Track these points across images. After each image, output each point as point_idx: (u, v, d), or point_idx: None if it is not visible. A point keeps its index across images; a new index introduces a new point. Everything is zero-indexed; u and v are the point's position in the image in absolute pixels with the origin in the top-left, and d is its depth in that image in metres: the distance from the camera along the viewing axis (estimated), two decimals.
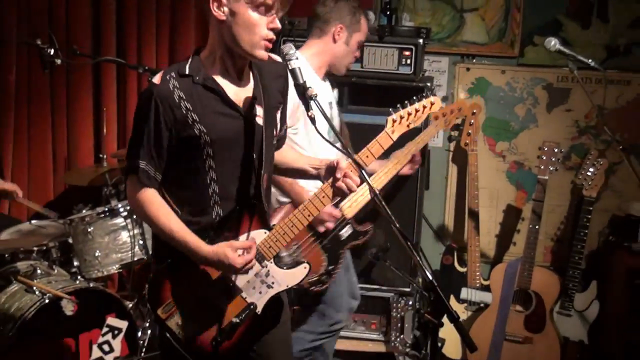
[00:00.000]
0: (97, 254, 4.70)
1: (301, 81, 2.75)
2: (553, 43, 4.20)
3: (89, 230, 4.68)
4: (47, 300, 4.17)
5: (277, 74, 3.06)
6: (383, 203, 2.66)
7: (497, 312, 5.01)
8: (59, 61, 4.35)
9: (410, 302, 4.94)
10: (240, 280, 2.96)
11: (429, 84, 4.90)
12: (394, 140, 3.04)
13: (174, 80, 2.82)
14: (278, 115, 3.08)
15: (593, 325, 4.99)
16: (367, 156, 2.97)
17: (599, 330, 5.01)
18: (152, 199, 2.88)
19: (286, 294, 3.16)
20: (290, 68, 2.79)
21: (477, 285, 5.16)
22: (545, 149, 4.87)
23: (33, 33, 4.94)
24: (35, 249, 4.66)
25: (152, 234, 3.15)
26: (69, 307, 4.23)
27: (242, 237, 2.94)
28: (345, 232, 4.10)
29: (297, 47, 2.93)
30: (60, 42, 4.84)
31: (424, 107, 3.09)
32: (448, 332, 4.82)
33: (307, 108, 2.72)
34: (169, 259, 2.94)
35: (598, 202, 5.20)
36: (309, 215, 2.98)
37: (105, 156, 5.08)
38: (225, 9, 2.76)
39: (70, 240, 4.72)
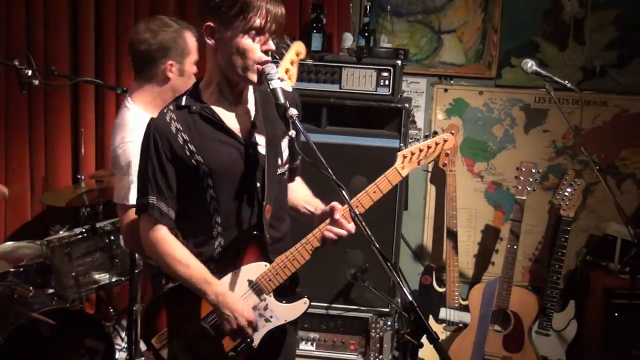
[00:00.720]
0: (74, 275, 4.67)
1: (282, 101, 2.75)
2: (530, 64, 4.24)
3: (67, 251, 4.65)
4: (24, 322, 4.13)
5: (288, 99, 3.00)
6: (363, 223, 2.66)
7: (475, 332, 5.02)
8: (36, 82, 4.31)
9: (389, 323, 4.93)
10: None
11: (407, 105, 4.91)
12: (403, 177, 3.03)
13: (171, 113, 2.83)
14: (284, 144, 3.02)
15: (571, 345, 5.01)
16: (374, 192, 2.98)
17: (577, 350, 5.03)
18: (166, 236, 2.86)
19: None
20: (271, 88, 2.78)
21: (456, 305, 5.17)
22: (523, 169, 4.90)
23: (11, 54, 4.92)
24: (12, 270, 4.62)
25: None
26: (46, 329, 4.19)
27: (242, 269, 2.92)
28: None
29: None
30: (38, 62, 4.83)
31: (437, 144, 3.09)
32: (427, 352, 4.82)
33: (288, 128, 2.72)
34: (167, 286, 2.92)
35: (575, 222, 5.23)
36: (311, 250, 2.95)
37: (83, 177, 5.05)
38: (218, 36, 2.76)
39: (47, 262, 4.68)
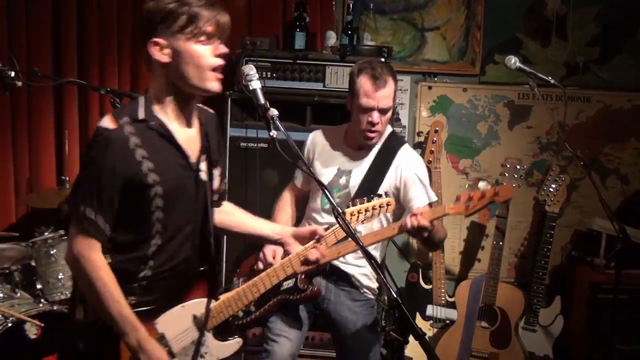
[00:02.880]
0: (60, 276, 4.64)
1: (262, 102, 2.74)
2: (513, 61, 4.24)
3: (52, 252, 4.62)
4: (10, 324, 4.12)
5: (215, 126, 3.00)
6: (347, 222, 2.67)
7: (462, 329, 5.03)
8: (19, 83, 4.29)
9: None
10: (176, 347, 2.87)
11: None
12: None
13: (129, 126, 2.67)
14: (216, 172, 2.98)
15: (558, 340, 5.03)
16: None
17: (563, 345, 5.05)
18: (102, 260, 2.69)
19: None
20: (251, 89, 2.77)
21: (443, 302, 5.18)
22: (508, 165, 4.91)
23: None
24: None
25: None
26: (32, 331, 4.18)
27: (189, 303, 2.88)
28: (287, 284, 3.79)
29: (257, 68, 2.88)
30: (21, 64, 4.80)
31: (381, 206, 3.23)
32: (414, 349, 4.82)
33: (269, 128, 2.71)
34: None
35: (560, 217, 5.25)
36: (255, 292, 3.01)
37: (67, 178, 5.02)
38: (167, 50, 2.67)
39: (33, 263, 4.66)
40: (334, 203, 2.69)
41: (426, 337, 2.52)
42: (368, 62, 3.86)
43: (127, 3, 5.36)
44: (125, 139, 2.65)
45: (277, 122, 2.71)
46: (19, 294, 4.49)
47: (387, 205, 3.28)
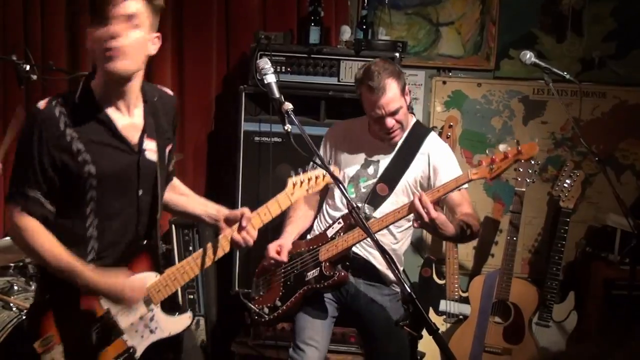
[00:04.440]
0: None
1: (277, 95, 2.74)
2: (528, 56, 4.22)
3: None
4: (24, 317, 4.13)
5: (169, 107, 3.02)
6: (361, 216, 2.67)
7: (476, 324, 5.02)
8: (34, 77, 4.31)
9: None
10: (124, 322, 2.89)
11: None
12: (292, 202, 3.14)
13: (60, 107, 2.73)
14: (167, 150, 3.02)
15: (571, 336, 5.02)
16: (265, 214, 3.06)
17: (577, 341, 5.03)
18: (39, 229, 2.75)
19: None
20: (266, 82, 2.77)
21: (456, 297, 5.17)
22: (522, 161, 4.89)
23: (8, 49, 4.91)
24: (12, 265, 4.62)
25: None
26: None
27: (131, 277, 2.87)
28: (312, 273, 3.84)
29: (273, 62, 2.89)
30: (36, 57, 4.82)
31: (317, 177, 3.21)
32: (427, 344, 4.82)
33: (284, 122, 2.71)
34: (49, 294, 2.85)
35: (575, 213, 5.23)
36: (201, 265, 2.99)
37: None
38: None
39: None
40: (348, 197, 2.70)
41: (440, 332, 2.51)
42: (366, 70, 3.80)
43: None
44: (54, 117, 2.72)
45: (292, 116, 2.71)
46: (33, 287, 4.50)
47: (323, 176, 3.23)
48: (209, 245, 3.00)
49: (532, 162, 4.85)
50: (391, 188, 3.85)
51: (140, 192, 2.87)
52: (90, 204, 2.79)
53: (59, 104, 2.74)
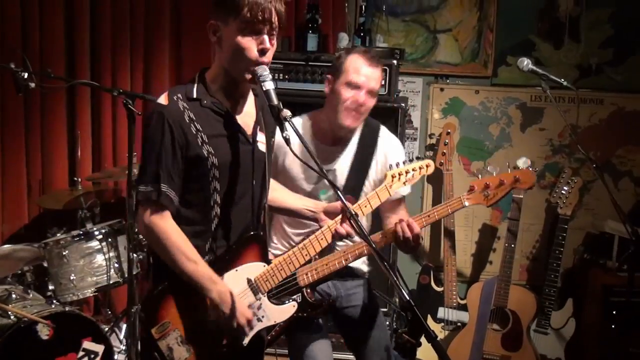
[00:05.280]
0: (72, 278, 4.65)
1: (275, 102, 2.74)
2: (526, 63, 4.23)
3: (64, 253, 4.63)
4: (22, 325, 4.12)
5: (267, 105, 2.99)
6: (360, 223, 2.66)
7: (474, 331, 5.02)
8: (33, 84, 4.29)
9: (388, 322, 4.92)
10: None
11: (403, 105, 4.91)
12: (391, 194, 3.24)
13: (182, 102, 2.80)
14: (271, 143, 3.09)
15: (570, 343, 5.01)
16: (365, 206, 3.18)
17: (575, 348, 5.03)
18: (174, 227, 2.83)
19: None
20: (264, 89, 2.78)
21: (454, 304, 5.17)
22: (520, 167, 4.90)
23: (6, 56, 4.90)
24: (10, 272, 4.62)
25: (151, 253, 3.08)
26: (44, 332, 4.18)
27: (242, 267, 2.95)
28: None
29: (270, 70, 2.86)
30: (34, 65, 4.82)
31: (420, 167, 3.31)
32: (426, 351, 4.82)
33: (282, 129, 2.71)
34: (167, 281, 2.90)
35: (573, 220, 5.23)
36: (306, 255, 3.08)
37: (79, 179, 5.05)
38: (219, 34, 2.79)
39: (45, 264, 4.67)
40: (345, 203, 2.70)
41: (438, 339, 2.51)
42: (359, 47, 3.79)
43: (140, 5, 5.38)
44: (180, 112, 2.79)
45: (291, 123, 2.72)
46: (31, 295, 4.50)
47: (427, 167, 3.35)
48: (313, 236, 3.08)
49: (530, 169, 4.85)
50: (357, 197, 3.65)
51: (254, 183, 2.94)
52: (214, 195, 2.86)
53: (179, 99, 2.81)
